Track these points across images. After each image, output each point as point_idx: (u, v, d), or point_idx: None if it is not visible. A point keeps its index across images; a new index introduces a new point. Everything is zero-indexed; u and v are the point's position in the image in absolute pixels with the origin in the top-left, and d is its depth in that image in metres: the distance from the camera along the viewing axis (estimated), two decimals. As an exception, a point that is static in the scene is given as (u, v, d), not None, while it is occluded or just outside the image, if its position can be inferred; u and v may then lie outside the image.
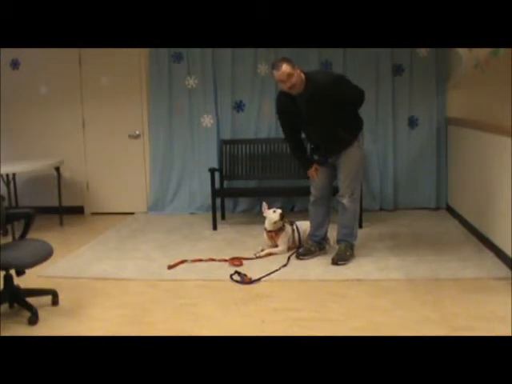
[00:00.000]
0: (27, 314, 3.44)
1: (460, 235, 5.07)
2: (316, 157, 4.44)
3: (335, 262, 4.32)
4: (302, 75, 4.05)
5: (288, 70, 3.96)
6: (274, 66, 4.05)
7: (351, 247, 4.44)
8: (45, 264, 3.64)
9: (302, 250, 4.57)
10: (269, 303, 3.63)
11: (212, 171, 5.61)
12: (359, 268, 4.23)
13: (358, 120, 4.34)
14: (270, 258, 4.54)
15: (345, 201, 4.33)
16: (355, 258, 4.42)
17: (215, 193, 5.66)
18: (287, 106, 4.22)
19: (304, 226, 4.77)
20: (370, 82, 5.87)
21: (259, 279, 4.04)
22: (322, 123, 4.20)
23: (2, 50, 6.06)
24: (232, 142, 6.10)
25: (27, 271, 3.53)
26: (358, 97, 4.20)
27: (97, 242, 5.31)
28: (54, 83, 6.39)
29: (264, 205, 4.75)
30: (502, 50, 3.90)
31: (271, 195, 5.81)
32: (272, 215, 4.66)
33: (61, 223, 6.07)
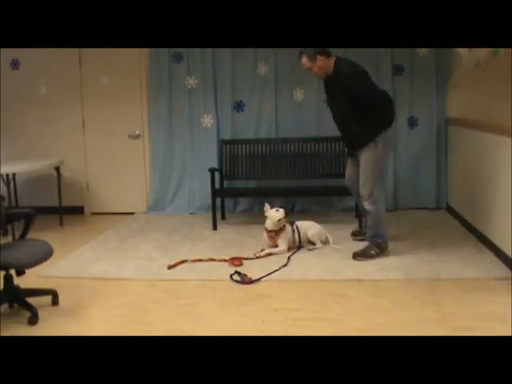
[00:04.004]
0: (27, 314, 3.44)
1: (460, 235, 5.07)
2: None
3: (354, 257, 4.39)
4: (330, 62, 4.20)
5: (306, 64, 4.27)
6: (299, 55, 4.31)
7: (378, 246, 4.43)
8: (45, 264, 3.64)
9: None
10: (269, 303, 3.63)
11: (212, 171, 5.61)
12: (359, 268, 4.23)
13: (376, 122, 4.24)
14: (270, 257, 4.55)
15: (366, 204, 4.36)
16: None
17: (215, 193, 5.66)
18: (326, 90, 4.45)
19: (304, 225, 4.78)
20: (370, 82, 5.88)
21: (259, 279, 4.04)
22: (338, 112, 4.33)
23: (2, 50, 6.06)
24: (232, 142, 6.10)
25: (27, 271, 3.53)
26: (374, 99, 4.18)
27: (97, 241, 5.31)
28: (54, 83, 6.39)
29: (266, 205, 4.75)
30: (501, 50, 3.91)
31: (271, 195, 5.80)
32: (276, 213, 4.66)
33: (61, 223, 6.07)
